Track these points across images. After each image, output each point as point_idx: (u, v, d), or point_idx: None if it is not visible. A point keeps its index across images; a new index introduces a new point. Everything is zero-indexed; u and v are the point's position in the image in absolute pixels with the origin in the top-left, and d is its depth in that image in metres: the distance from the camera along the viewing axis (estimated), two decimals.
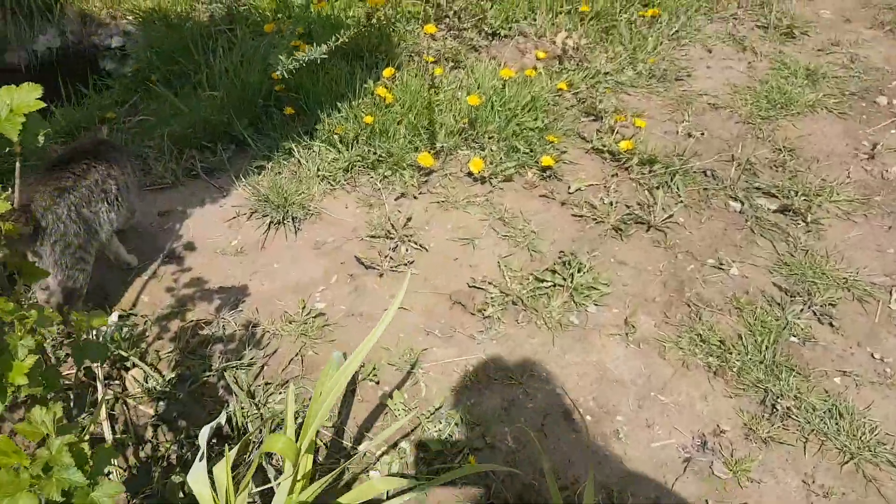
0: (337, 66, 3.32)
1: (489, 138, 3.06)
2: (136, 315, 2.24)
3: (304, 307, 2.30)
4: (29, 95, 1.18)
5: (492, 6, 4.02)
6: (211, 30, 3.65)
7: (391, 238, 2.59)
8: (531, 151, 3.00)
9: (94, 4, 4.35)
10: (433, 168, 2.91)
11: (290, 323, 2.23)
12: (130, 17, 4.21)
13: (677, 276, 2.46)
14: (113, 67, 4.33)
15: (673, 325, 2.29)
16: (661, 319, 2.30)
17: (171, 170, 2.86)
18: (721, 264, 2.52)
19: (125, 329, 2.14)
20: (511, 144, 3.02)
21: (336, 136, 2.96)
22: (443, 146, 2.99)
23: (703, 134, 3.20)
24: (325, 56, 2.42)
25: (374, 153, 2.92)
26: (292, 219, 2.64)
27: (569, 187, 2.87)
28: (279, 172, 2.88)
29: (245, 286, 2.38)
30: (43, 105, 1.20)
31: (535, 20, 3.97)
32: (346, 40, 2.42)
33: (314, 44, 3.37)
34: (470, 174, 2.89)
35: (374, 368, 2.10)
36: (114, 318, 2.16)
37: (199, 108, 3.12)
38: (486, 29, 3.92)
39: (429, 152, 2.92)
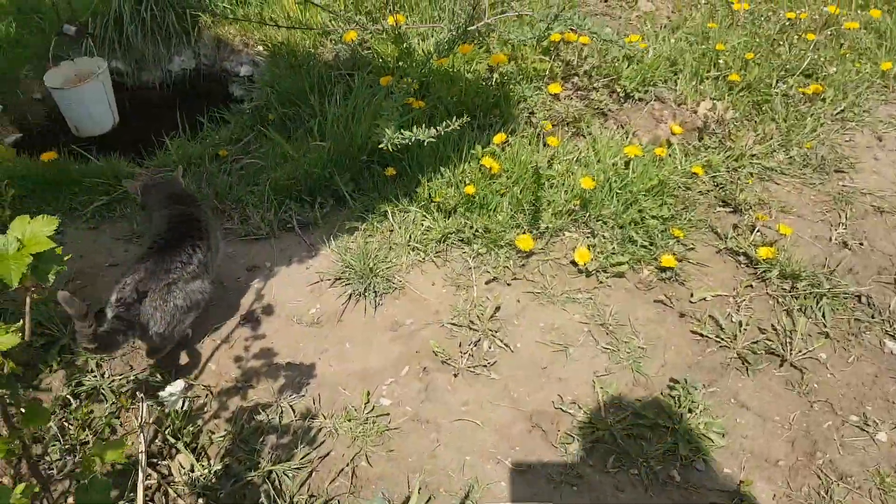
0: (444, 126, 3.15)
1: (602, 223, 2.75)
2: (199, 385, 2.15)
3: (367, 402, 2.11)
4: (43, 229, 1.07)
5: (628, 66, 3.69)
6: (332, 73, 3.63)
7: (474, 329, 2.35)
8: (650, 245, 2.65)
9: (230, 31, 4.50)
10: (533, 251, 2.65)
11: (349, 420, 2.05)
12: (261, 48, 4.30)
13: (810, 434, 2.02)
14: (240, 94, 4.45)
15: (797, 500, 1.86)
16: (782, 491, 1.88)
17: (267, 221, 2.80)
18: (866, 424, 2.04)
19: (185, 401, 2.06)
20: (627, 234, 2.68)
21: (434, 204, 2.78)
22: (547, 227, 2.72)
23: (861, 244, 2.69)
24: (434, 139, 2.25)
25: (471, 227, 2.71)
26: (374, 292, 2.48)
27: (691, 295, 2.49)
28: (371, 236, 2.74)
29: (313, 365, 2.23)
30: (54, 245, 1.08)
31: (675, 85, 3.60)
32: (458, 127, 2.23)
33: (429, 99, 3.25)
34: (574, 263, 2.60)
35: (428, 501, 1.86)
36: (179, 386, 2.08)
37: (306, 156, 3.06)
38: (619, 91, 3.60)
39: (530, 234, 2.66)
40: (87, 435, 1.92)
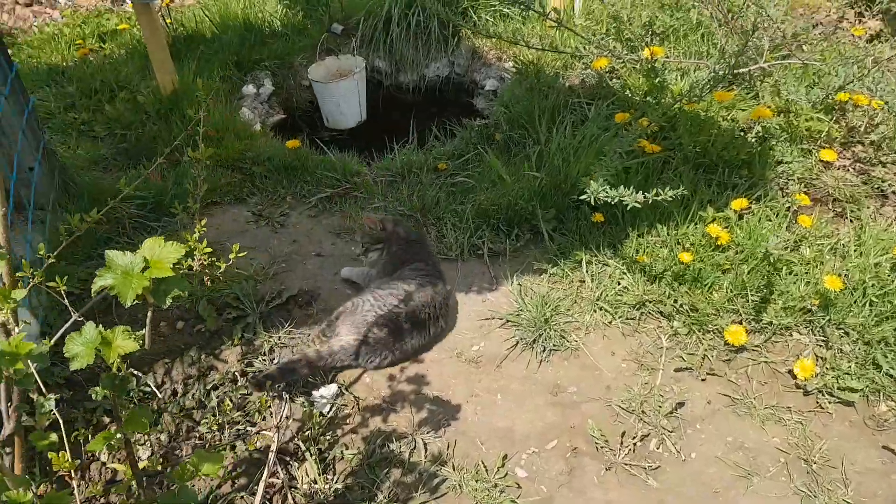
0: (675, 176, 2.82)
1: (842, 334, 2.22)
2: (350, 394, 2.18)
3: (501, 465, 1.95)
4: (170, 255, 1.10)
5: None
6: (570, 100, 3.48)
7: (646, 421, 2.05)
8: None
9: (486, 44, 4.59)
10: (745, 346, 2.23)
11: (477, 481, 1.91)
12: (511, 64, 4.31)
13: None
14: (482, 107, 4.52)
15: None
16: None
17: (460, 243, 2.78)
18: None
19: (333, 407, 2.11)
20: (872, 354, 2.13)
21: (637, 264, 2.49)
22: (770, 322, 2.27)
23: None
24: (638, 205, 2.00)
25: (676, 300, 2.37)
26: (543, 345, 2.30)
27: None
28: (557, 282, 2.55)
29: (459, 407, 2.13)
30: (173, 274, 1.09)
31: None
32: (671, 198, 1.95)
33: (669, 142, 2.94)
34: (792, 374, 2.13)
35: None
36: (332, 390, 2.14)
37: (516, 184, 2.97)
38: None
39: (747, 326, 2.24)
40: (239, 415, 2.07)
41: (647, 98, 3.41)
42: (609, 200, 2.00)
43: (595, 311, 2.41)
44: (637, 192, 1.98)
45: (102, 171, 3.35)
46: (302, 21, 4.76)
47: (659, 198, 1.94)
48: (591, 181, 2.15)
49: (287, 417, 2.09)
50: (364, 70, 4.01)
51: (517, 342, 2.33)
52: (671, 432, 2.01)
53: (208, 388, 2.18)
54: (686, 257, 2.39)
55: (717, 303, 2.33)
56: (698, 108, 3.06)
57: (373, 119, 4.41)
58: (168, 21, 4.53)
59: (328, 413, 2.11)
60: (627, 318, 2.38)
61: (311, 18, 4.68)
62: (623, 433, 2.02)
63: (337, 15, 4.55)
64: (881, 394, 2.06)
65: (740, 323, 2.28)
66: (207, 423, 2.03)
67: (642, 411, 2.07)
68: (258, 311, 2.44)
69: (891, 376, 2.08)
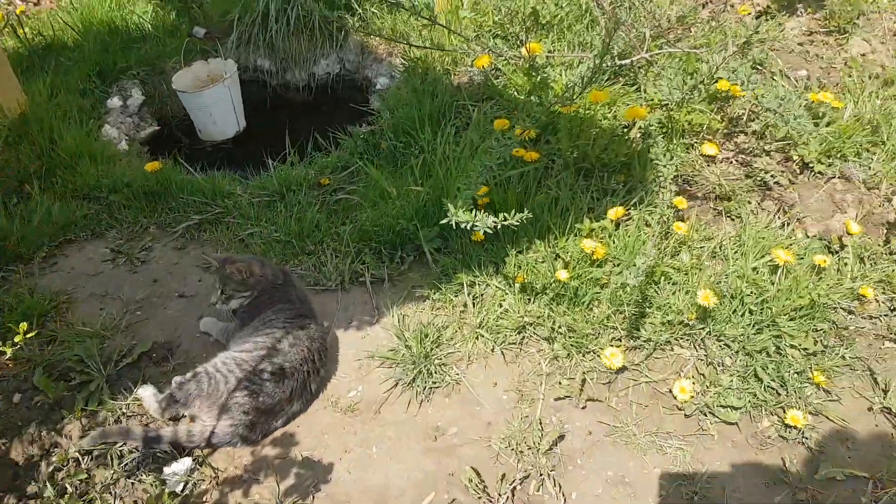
0: (554, 184, 2.69)
1: (723, 346, 2.16)
2: (208, 466, 1.96)
3: None
4: None
5: (815, 127, 2.93)
6: (456, 102, 3.29)
7: (525, 461, 1.93)
8: (781, 388, 2.03)
9: (374, 39, 4.33)
10: (625, 366, 2.14)
11: None
12: (400, 61, 4.07)
13: None
14: (378, 107, 4.27)
15: None
16: None
17: (340, 271, 2.57)
18: None
19: (188, 485, 1.89)
20: (752, 367, 2.07)
21: (518, 284, 2.35)
22: (650, 338, 2.19)
23: None
24: (490, 229, 1.85)
25: (555, 322, 2.25)
26: (424, 383, 2.14)
27: (816, 469, 1.85)
28: (441, 308, 2.40)
29: (331, 466, 1.95)
30: None
31: (871, 161, 2.79)
32: (518, 223, 1.81)
33: (549, 147, 2.80)
34: (673, 393, 2.05)
35: None
36: (186, 464, 1.92)
37: (399, 201, 2.77)
38: (795, 159, 2.86)
39: (626, 344, 2.15)
40: None
41: (531, 97, 3.26)
42: (464, 225, 1.83)
43: (477, 339, 2.26)
44: (488, 216, 1.82)
45: None
46: (175, 21, 4.35)
47: (506, 222, 1.79)
48: (450, 204, 1.98)
49: (135, 502, 1.86)
50: (236, 74, 3.68)
51: (396, 382, 2.16)
52: (552, 471, 1.90)
53: (50, 469, 1.92)
54: (562, 275, 2.27)
55: (596, 321, 2.23)
56: (578, 108, 2.93)
57: (258, 124, 4.10)
58: (20, 32, 4.05)
59: (182, 492, 1.88)
60: (509, 344, 2.25)
61: (188, 16, 4.28)
62: (503, 476, 1.90)
63: (199, 18, 4.17)
64: (763, 409, 2.01)
65: (619, 341, 2.19)
66: None
67: (521, 451, 1.95)
68: (105, 373, 2.17)
69: (772, 389, 2.03)
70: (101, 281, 2.59)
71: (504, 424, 2.03)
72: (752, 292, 2.20)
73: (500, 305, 2.34)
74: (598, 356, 2.14)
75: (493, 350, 2.24)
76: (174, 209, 2.95)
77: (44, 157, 3.12)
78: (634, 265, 2.10)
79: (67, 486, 1.86)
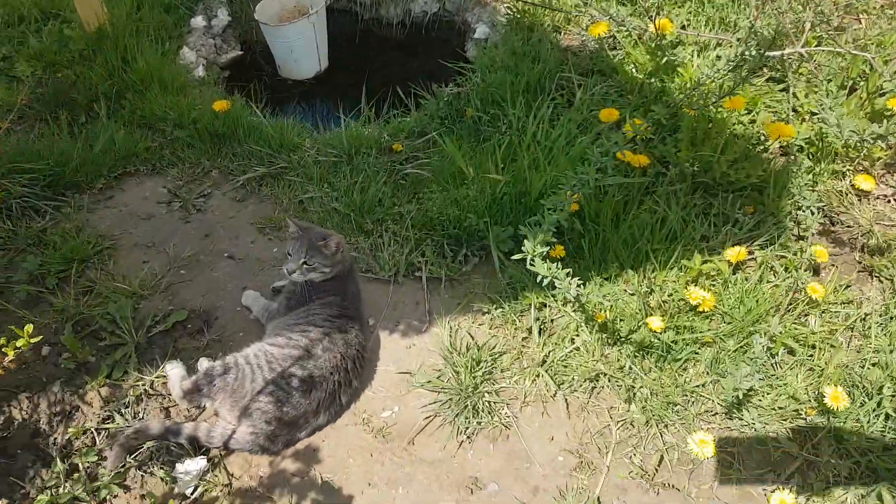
0: (663, 198, 2.19)
1: (841, 452, 1.68)
2: (222, 470, 1.72)
3: None
4: None
5: None
6: (559, 71, 2.77)
7: None
8: None
9: None
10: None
11: None
12: (505, 8, 3.51)
13: None
14: (474, 56, 3.77)
15: None
16: None
17: (396, 261, 2.22)
18: None
19: (198, 489, 1.66)
20: (875, 490, 1.60)
21: (596, 322, 1.93)
22: (752, 424, 1.73)
23: None
24: (575, 295, 1.43)
25: (637, 379, 1.83)
26: (467, 423, 1.79)
27: None
28: (500, 327, 2.02)
29: (350, 499, 1.67)
30: None
31: None
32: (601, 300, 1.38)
33: (664, 147, 2.28)
34: (768, 501, 1.62)
35: None
36: (200, 464, 1.68)
37: (474, 186, 2.36)
38: None
39: (717, 426, 1.72)
40: (81, 491, 1.62)
41: (651, 80, 2.70)
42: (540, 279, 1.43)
43: (537, 378, 1.88)
44: (573, 280, 1.41)
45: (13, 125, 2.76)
46: None
47: (601, 295, 1.37)
48: (526, 239, 1.57)
49: (143, 497, 1.65)
50: (324, 10, 3.26)
51: (437, 413, 1.83)
52: None
53: (65, 440, 1.74)
54: (655, 323, 1.83)
55: (688, 387, 1.79)
56: (708, 110, 2.36)
57: (342, 63, 3.69)
58: None
59: (191, 495, 1.66)
60: (575, 392, 1.86)
61: None
62: None
63: None
64: None
65: (714, 415, 1.76)
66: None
67: None
68: (136, 339, 1.95)
69: None
70: (152, 227, 2.35)
71: (554, 494, 1.67)
72: (894, 391, 1.70)
73: (572, 342, 1.94)
74: (685, 428, 1.73)
75: (554, 395, 1.86)
76: (238, 156, 2.65)
77: (115, 78, 2.87)
78: (749, 333, 1.64)
79: (79, 463, 1.68)
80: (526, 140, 2.44)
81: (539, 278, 1.75)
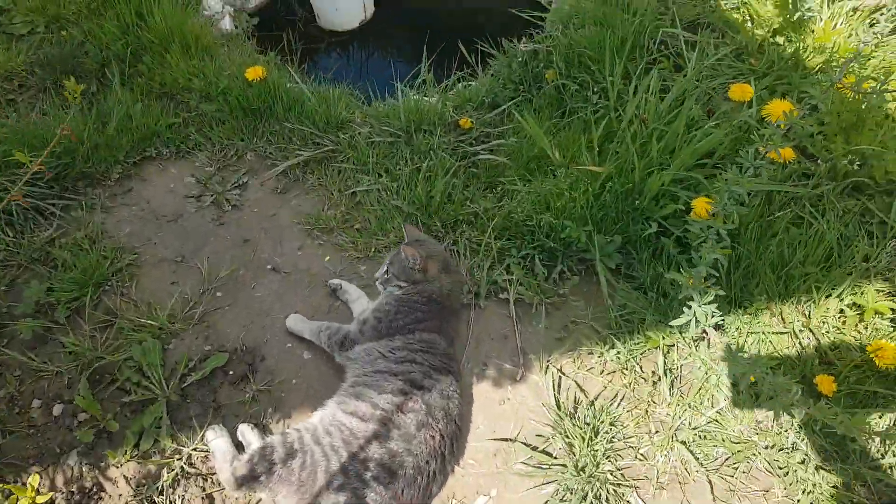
0: (813, 204, 1.61)
1: None
2: None
3: None
4: None
5: None
6: (662, 25, 2.11)
7: None
8: None
9: None
10: None
11: None
12: None
13: None
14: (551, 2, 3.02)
15: None
16: None
17: (475, 279, 1.69)
18: None
19: None
20: None
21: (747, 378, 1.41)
22: None
23: None
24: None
25: (808, 455, 1.34)
26: None
27: None
28: (614, 373, 1.51)
29: None
30: None
31: None
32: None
33: (809, 138, 1.69)
34: None
35: None
36: None
37: (566, 179, 1.79)
38: None
39: None
40: None
41: (776, 38, 2.04)
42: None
43: (672, 449, 1.40)
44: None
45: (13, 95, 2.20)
46: None
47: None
48: (693, 297, 1.03)
49: None
50: None
51: (547, 501, 1.36)
52: None
53: None
54: (827, 385, 1.31)
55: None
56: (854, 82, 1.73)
57: (392, 8, 2.98)
58: None
59: None
60: (719, 469, 1.38)
61: None
62: None
63: None
64: None
65: None
66: None
67: None
68: (167, 391, 1.48)
69: None
70: (180, 233, 1.83)
71: None
72: None
73: (712, 398, 1.43)
74: None
75: (694, 476, 1.38)
76: (277, 135, 2.08)
77: (129, 36, 2.26)
78: None
79: None
80: (626, 117, 1.84)
81: (674, 316, 1.23)
